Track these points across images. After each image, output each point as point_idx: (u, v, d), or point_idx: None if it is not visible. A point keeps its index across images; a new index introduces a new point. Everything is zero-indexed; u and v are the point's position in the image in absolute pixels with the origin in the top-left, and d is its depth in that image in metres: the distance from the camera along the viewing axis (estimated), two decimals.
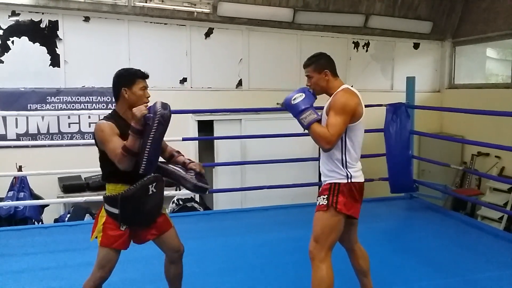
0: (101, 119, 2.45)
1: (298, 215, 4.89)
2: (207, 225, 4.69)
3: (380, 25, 7.32)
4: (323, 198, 2.52)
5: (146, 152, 2.30)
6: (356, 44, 7.50)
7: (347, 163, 2.52)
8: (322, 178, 2.62)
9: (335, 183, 2.51)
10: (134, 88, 2.41)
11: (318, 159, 6.01)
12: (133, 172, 2.34)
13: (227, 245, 4.00)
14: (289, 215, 5.00)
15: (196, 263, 3.58)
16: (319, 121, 2.50)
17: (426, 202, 5.52)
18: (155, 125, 2.27)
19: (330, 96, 2.59)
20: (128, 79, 2.42)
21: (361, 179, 2.58)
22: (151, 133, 2.28)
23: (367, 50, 7.58)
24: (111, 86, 2.48)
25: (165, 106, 2.33)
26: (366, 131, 6.79)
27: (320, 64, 2.58)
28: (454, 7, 7.56)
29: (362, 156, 2.62)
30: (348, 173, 2.51)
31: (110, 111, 2.57)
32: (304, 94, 2.52)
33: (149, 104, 2.38)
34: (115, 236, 2.40)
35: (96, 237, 2.43)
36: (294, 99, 2.51)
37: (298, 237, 4.07)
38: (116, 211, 2.37)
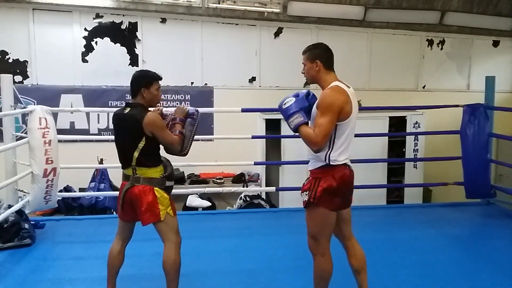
0: (146, 111, 2.69)
1: (364, 217, 4.82)
2: (274, 223, 4.77)
3: (457, 22, 6.99)
4: (306, 194, 2.58)
5: (191, 137, 2.85)
6: (430, 42, 7.22)
7: (330, 160, 2.51)
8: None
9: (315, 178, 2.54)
10: (152, 88, 2.75)
11: (387, 160, 5.86)
12: None
13: (293, 242, 4.04)
14: (354, 216, 4.91)
15: (265, 259, 3.67)
16: (306, 123, 2.51)
17: (504, 209, 5.21)
18: (198, 117, 2.91)
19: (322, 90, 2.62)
20: (148, 81, 2.75)
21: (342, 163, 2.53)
22: (196, 123, 2.88)
23: (442, 48, 7.28)
24: (130, 84, 2.77)
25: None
26: (440, 132, 6.46)
27: (313, 54, 2.63)
28: None
29: (436, 159, 2.54)
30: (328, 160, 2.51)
31: (131, 104, 2.78)
32: (294, 99, 2.57)
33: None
34: (174, 204, 2.82)
35: (167, 213, 2.73)
36: (285, 104, 2.58)
37: (363, 239, 4.02)
38: (172, 183, 2.82)
